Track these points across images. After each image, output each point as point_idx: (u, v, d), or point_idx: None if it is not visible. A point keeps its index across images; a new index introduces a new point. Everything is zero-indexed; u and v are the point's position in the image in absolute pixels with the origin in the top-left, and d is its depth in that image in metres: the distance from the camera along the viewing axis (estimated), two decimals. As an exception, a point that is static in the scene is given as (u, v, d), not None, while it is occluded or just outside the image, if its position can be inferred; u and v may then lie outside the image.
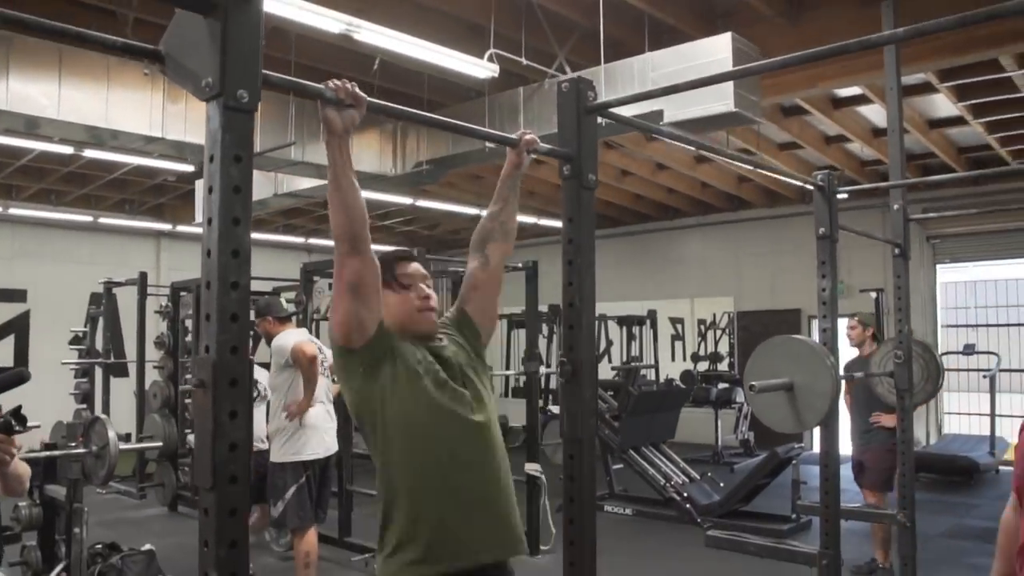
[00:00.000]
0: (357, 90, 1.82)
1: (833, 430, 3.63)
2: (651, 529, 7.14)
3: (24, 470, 2.49)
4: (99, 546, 5.23)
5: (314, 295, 6.57)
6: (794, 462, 6.73)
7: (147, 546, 5.32)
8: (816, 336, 3.76)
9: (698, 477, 7.61)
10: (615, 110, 2.48)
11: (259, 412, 5.43)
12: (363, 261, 1.96)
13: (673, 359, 14.76)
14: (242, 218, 1.57)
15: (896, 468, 5.11)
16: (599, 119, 2.41)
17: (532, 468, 6.20)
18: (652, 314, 13.76)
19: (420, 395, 2.06)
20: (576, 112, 2.35)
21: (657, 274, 13.80)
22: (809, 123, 8.72)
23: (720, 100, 4.99)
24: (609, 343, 14.22)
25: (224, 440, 1.52)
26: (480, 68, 5.37)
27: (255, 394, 5.48)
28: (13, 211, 10.62)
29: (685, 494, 7.22)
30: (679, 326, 15.03)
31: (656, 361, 13.92)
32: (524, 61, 5.69)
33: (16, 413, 2.29)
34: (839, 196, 3.76)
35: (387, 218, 13.68)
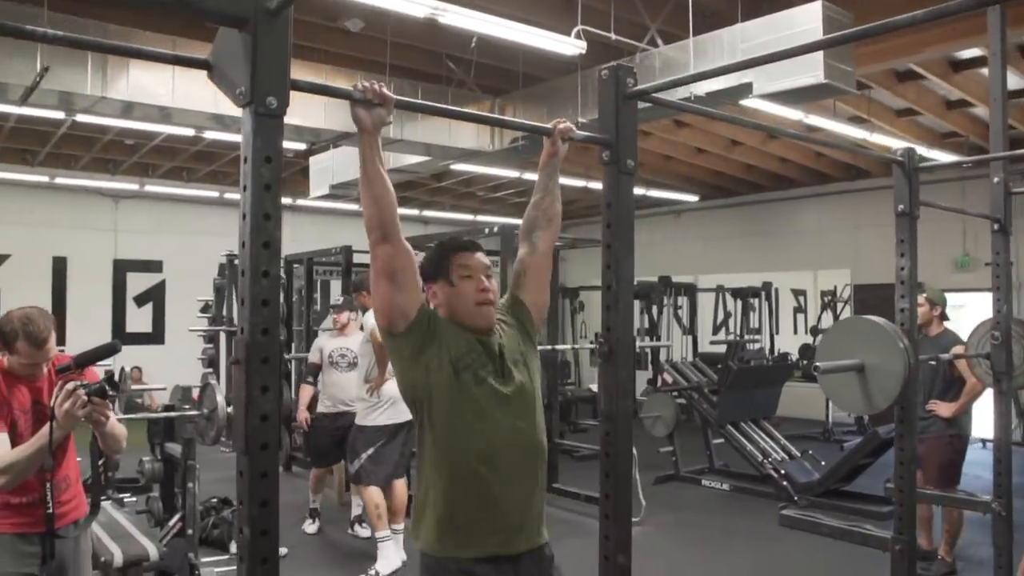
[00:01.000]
0: (384, 90, 1.95)
1: (908, 412, 3.55)
2: (747, 505, 7.09)
3: (120, 431, 2.80)
4: (214, 500, 5.71)
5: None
6: (896, 443, 6.52)
7: (257, 501, 5.76)
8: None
9: (798, 454, 7.48)
10: (658, 94, 2.51)
11: (350, 376, 5.72)
12: (395, 248, 2.08)
13: (795, 332, 14.41)
14: (272, 214, 1.74)
15: (955, 461, 4.90)
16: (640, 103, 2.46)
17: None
18: (767, 286, 13.45)
19: (460, 386, 2.14)
20: (615, 98, 2.41)
21: (774, 245, 13.43)
22: (927, 88, 8.27)
23: (810, 71, 4.85)
24: (727, 314, 13.98)
25: (256, 411, 1.71)
26: (567, 45, 5.41)
27: (347, 361, 5.79)
28: (149, 188, 11.46)
29: (783, 471, 7.12)
30: (801, 298, 14.65)
31: (772, 334, 13.63)
32: (613, 36, 5.69)
33: (110, 380, 2.57)
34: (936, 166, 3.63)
35: (498, 190, 13.88)
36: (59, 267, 11.42)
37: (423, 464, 2.20)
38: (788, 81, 4.98)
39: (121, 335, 11.62)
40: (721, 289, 13.60)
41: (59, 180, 10.93)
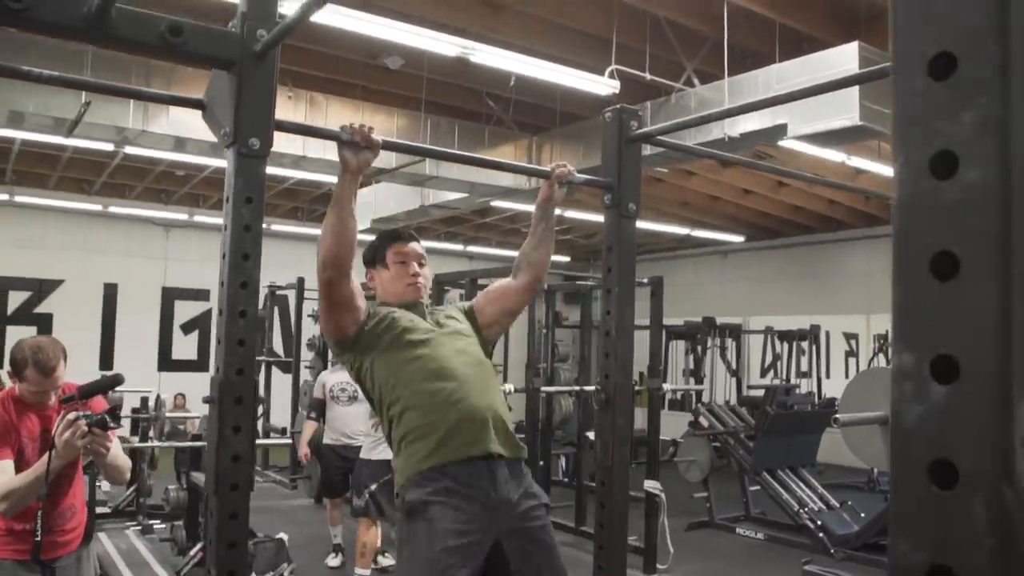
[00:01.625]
0: (372, 135, 1.96)
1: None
2: (781, 556, 6.85)
3: (124, 463, 2.81)
4: (238, 529, 5.72)
5: (445, 302, 6.84)
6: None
7: (280, 535, 5.76)
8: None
9: (837, 505, 7.22)
10: (662, 136, 2.48)
11: (350, 410, 5.76)
12: (347, 282, 2.18)
13: (847, 375, 14.04)
14: (251, 254, 1.75)
15: None
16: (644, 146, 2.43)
17: (651, 485, 6.13)
18: (815, 329, 13.15)
19: (406, 343, 2.27)
20: (618, 142, 2.39)
21: (823, 287, 13.16)
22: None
23: (844, 113, 4.76)
24: (775, 357, 13.68)
25: (227, 451, 1.70)
26: (600, 85, 5.41)
27: (347, 395, 5.81)
28: (198, 217, 11.74)
29: (819, 522, 6.88)
30: (853, 342, 14.29)
31: (820, 378, 13.30)
32: (648, 76, 5.67)
33: (112, 412, 2.59)
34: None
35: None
36: (110, 293, 11.72)
37: (393, 428, 2.26)
38: (823, 123, 4.90)
39: (167, 361, 11.86)
40: (769, 331, 13.34)
41: (113, 209, 11.27)
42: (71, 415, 2.48)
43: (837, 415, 3.25)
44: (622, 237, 2.38)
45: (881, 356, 13.13)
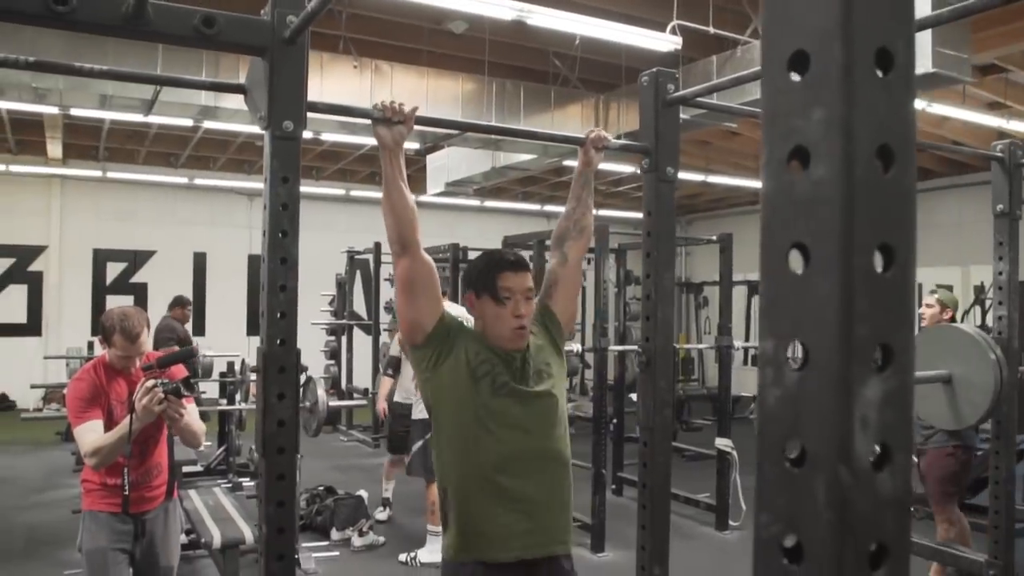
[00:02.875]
0: (404, 108, 2.01)
1: (1006, 426, 3.31)
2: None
3: (198, 427, 3.03)
4: (320, 488, 5.99)
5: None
6: (1027, 455, 6.05)
7: (360, 492, 6.02)
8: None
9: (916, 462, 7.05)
10: (701, 99, 2.46)
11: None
12: (413, 259, 2.13)
13: (941, 330, 13.57)
14: (289, 231, 1.84)
15: (957, 474, 4.49)
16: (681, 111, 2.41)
17: (723, 443, 6.13)
18: (904, 282, 12.73)
19: (476, 394, 2.14)
20: (655, 105, 2.38)
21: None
22: (1079, 67, 7.58)
23: (918, 60, 4.52)
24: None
25: (273, 417, 1.81)
26: (661, 41, 5.32)
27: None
28: (281, 187, 12.08)
29: (899, 480, 6.74)
30: (949, 295, 13.78)
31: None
32: (712, 30, 5.54)
33: (186, 381, 2.82)
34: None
35: (619, 184, 13.77)
36: (199, 262, 12.24)
37: (441, 472, 2.22)
38: (892, 71, 4.68)
39: (255, 326, 12.35)
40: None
41: (198, 180, 11.73)
42: (148, 383, 2.73)
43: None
44: (660, 201, 2.37)
45: (977, 308, 12.62)
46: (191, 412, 2.93)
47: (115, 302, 11.91)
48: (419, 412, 5.16)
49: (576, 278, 2.48)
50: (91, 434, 2.83)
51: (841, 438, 0.49)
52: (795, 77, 0.53)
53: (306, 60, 1.84)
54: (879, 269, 0.51)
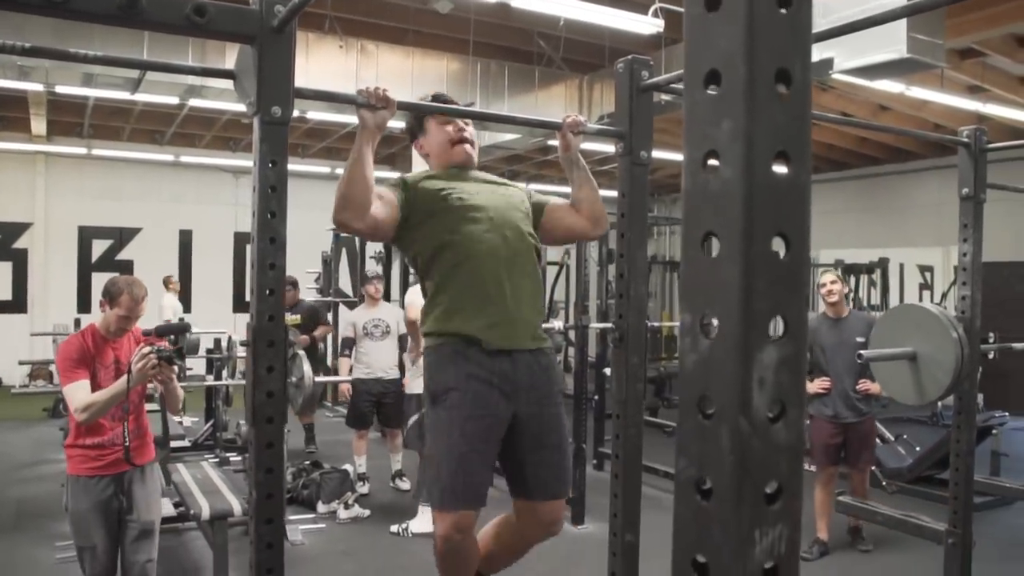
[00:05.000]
0: (387, 94, 2.09)
1: (967, 402, 3.45)
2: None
3: (179, 394, 3.33)
4: (307, 462, 6.10)
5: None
6: (994, 432, 6.24)
7: (346, 466, 6.13)
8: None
9: (892, 438, 7.23)
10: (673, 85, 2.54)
11: (384, 344, 6.16)
12: (359, 221, 2.30)
13: (923, 309, 13.77)
14: (277, 212, 1.92)
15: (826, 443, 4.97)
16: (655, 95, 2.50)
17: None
18: (884, 262, 12.91)
19: (446, 210, 2.41)
20: (629, 91, 2.47)
21: (893, 220, 12.85)
22: (1054, 52, 7.69)
23: (891, 45, 4.64)
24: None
25: (262, 388, 1.91)
26: (644, 24, 5.39)
27: (380, 331, 6.16)
28: (267, 165, 12.08)
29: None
30: (928, 274, 13.98)
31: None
32: (693, 12, 5.60)
33: (178, 351, 3.06)
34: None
35: (605, 163, 13.84)
36: (185, 239, 12.26)
37: (432, 296, 2.45)
38: (869, 56, 4.79)
39: (241, 303, 12.38)
40: (839, 264, 13.13)
41: (184, 158, 11.72)
42: (146, 348, 3.00)
43: (861, 351, 3.30)
44: (634, 184, 2.47)
45: (955, 289, 12.83)
46: (175, 381, 3.22)
47: (101, 279, 11.85)
48: (413, 387, 5.27)
49: (575, 225, 2.68)
50: (81, 391, 3.06)
51: (742, 395, 0.59)
52: (711, 91, 0.62)
53: (293, 48, 1.92)
54: (780, 254, 0.61)
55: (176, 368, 3.09)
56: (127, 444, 3.11)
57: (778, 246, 0.62)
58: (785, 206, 0.61)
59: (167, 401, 3.33)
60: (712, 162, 0.63)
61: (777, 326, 0.62)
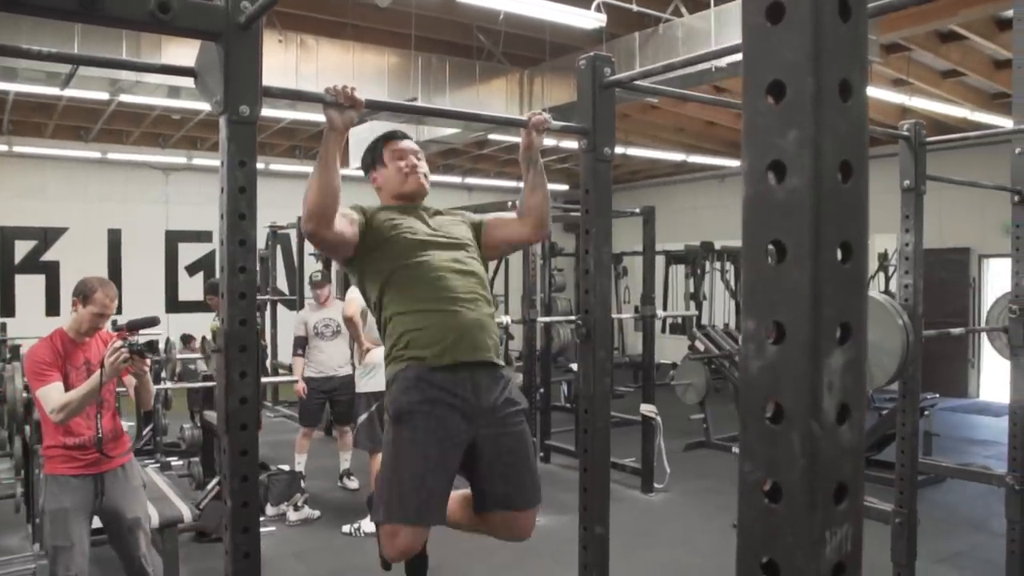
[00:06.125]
0: (354, 93, 2.06)
1: (911, 386, 3.59)
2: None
3: (152, 389, 3.46)
4: (253, 463, 5.98)
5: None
6: (926, 413, 6.49)
7: (298, 466, 6.05)
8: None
9: (829, 422, 7.48)
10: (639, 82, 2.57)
11: (335, 343, 6.20)
12: (328, 230, 2.34)
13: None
14: (247, 213, 1.88)
15: None
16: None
17: (647, 409, 6.36)
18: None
19: (396, 242, 2.47)
20: (592, 88, 2.48)
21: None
22: (973, 48, 8.02)
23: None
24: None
25: (235, 395, 1.86)
26: (587, 19, 5.42)
27: (331, 330, 6.18)
28: (197, 160, 11.78)
29: (811, 439, 7.14)
30: (849, 263, 14.44)
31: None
32: (635, 7, 5.67)
33: (149, 344, 3.13)
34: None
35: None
36: (114, 239, 11.85)
37: (389, 325, 2.49)
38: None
39: (174, 303, 12.07)
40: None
41: (111, 155, 11.32)
42: (117, 343, 3.06)
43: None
44: (598, 180, 2.49)
45: (881, 275, 13.32)
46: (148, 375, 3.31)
47: (25, 281, 11.52)
48: (364, 385, 5.22)
49: (516, 236, 2.76)
50: (55, 392, 3.14)
51: (813, 398, 0.60)
52: (771, 101, 0.63)
53: (260, 45, 1.88)
54: (840, 260, 0.62)
55: (148, 360, 3.12)
56: (100, 436, 3.19)
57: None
58: (848, 214, 0.63)
59: (140, 396, 3.43)
60: (772, 172, 0.63)
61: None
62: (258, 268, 9.73)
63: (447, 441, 2.40)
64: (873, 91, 7.85)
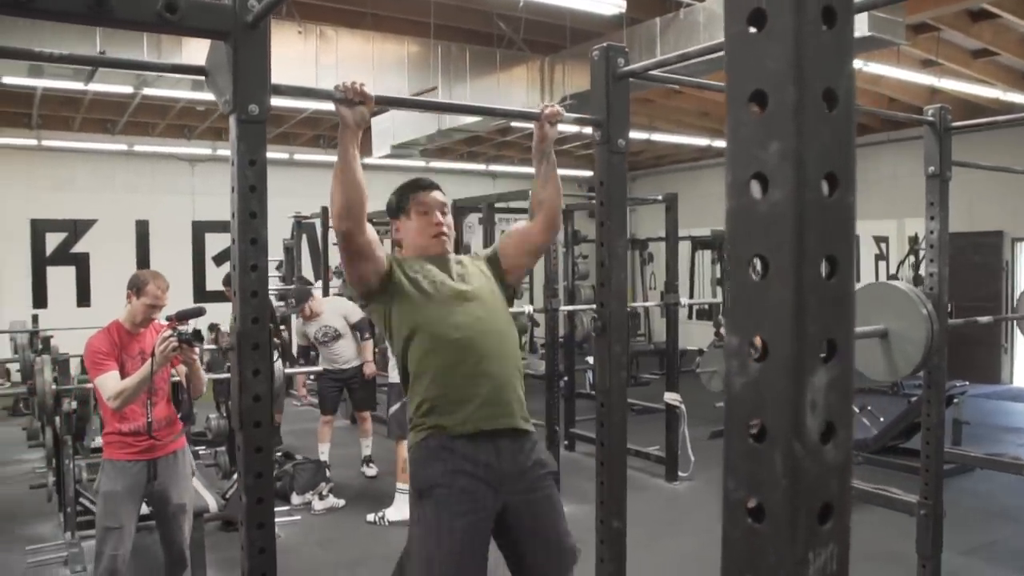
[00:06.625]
0: (364, 89, 2.05)
1: (937, 376, 3.53)
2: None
3: (203, 377, 3.59)
4: (278, 454, 6.05)
5: (464, 230, 6.97)
6: (955, 401, 6.40)
7: (322, 456, 6.11)
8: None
9: (856, 410, 7.39)
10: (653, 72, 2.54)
11: (340, 344, 6.41)
12: (362, 233, 2.28)
13: (876, 279, 14.08)
14: (258, 212, 1.88)
15: None
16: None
17: (671, 397, 6.33)
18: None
19: (422, 296, 2.38)
20: (606, 79, 2.46)
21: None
22: (1005, 26, 7.84)
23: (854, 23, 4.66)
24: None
25: (249, 393, 1.88)
26: (606, 5, 5.37)
27: (330, 336, 6.38)
28: (221, 151, 11.84)
29: (838, 427, 7.07)
30: (883, 245, 14.26)
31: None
32: (656, -8, 5.61)
33: (196, 333, 3.25)
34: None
35: (564, 143, 13.82)
36: (142, 230, 11.98)
37: (411, 385, 2.41)
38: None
39: (202, 293, 12.18)
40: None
41: (138, 147, 11.44)
42: (166, 332, 3.22)
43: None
44: (612, 172, 2.47)
45: (911, 258, 13.13)
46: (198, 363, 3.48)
47: (56, 273, 11.70)
48: (395, 376, 5.26)
49: (534, 243, 2.65)
50: (112, 380, 3.30)
51: (795, 418, 0.59)
52: (754, 111, 0.61)
53: (268, 44, 1.87)
54: (825, 276, 0.60)
55: (197, 349, 3.26)
56: (150, 420, 3.36)
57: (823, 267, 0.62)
58: (833, 228, 0.61)
59: (192, 383, 3.54)
60: (756, 183, 0.62)
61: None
62: (283, 258, 9.78)
63: (473, 515, 2.30)
64: (901, 73, 7.71)
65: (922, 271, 12.62)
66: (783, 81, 0.59)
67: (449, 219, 2.58)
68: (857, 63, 6.82)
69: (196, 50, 5.85)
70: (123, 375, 3.33)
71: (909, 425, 6.77)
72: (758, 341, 0.63)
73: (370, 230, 2.32)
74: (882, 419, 7.25)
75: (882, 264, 14.24)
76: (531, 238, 2.64)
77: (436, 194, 2.57)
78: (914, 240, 12.84)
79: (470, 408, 2.32)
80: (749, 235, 0.61)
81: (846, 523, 0.63)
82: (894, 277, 13.26)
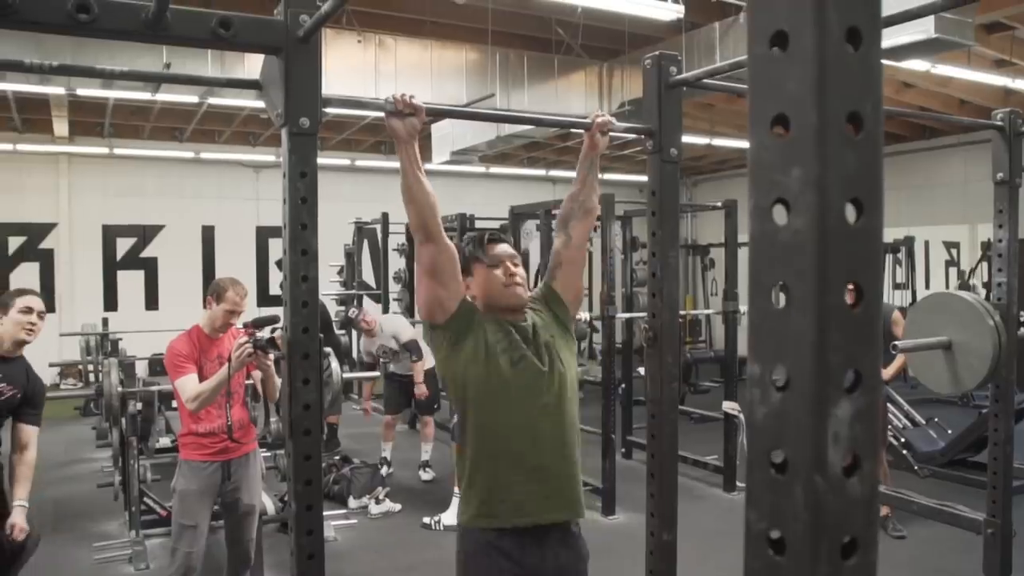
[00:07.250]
0: (415, 100, 2.06)
1: (1005, 390, 3.40)
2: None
3: (278, 382, 3.52)
4: (337, 458, 6.14)
5: (522, 236, 6.97)
6: (1027, 413, 6.14)
7: (383, 456, 6.20)
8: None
9: (923, 421, 7.16)
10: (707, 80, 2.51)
11: (399, 360, 6.65)
12: (437, 247, 2.19)
13: (947, 286, 13.67)
14: (309, 224, 1.92)
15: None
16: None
17: (729, 406, 6.23)
18: (909, 240, 12.80)
19: (494, 371, 2.22)
20: (658, 87, 2.44)
21: (918, 197, 12.69)
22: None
23: (918, 26, 4.53)
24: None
25: (299, 401, 1.91)
26: (664, 10, 5.32)
27: (389, 356, 6.63)
28: (286, 158, 12.11)
29: (903, 439, 6.85)
30: (954, 251, 13.83)
31: (915, 290, 13.00)
32: (714, -3, 5.54)
33: (271, 341, 3.29)
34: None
35: (625, 148, 13.74)
36: (208, 235, 12.32)
37: (467, 448, 2.30)
38: (894, 38, 4.68)
39: (265, 297, 12.45)
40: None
41: (204, 154, 11.77)
42: (241, 339, 3.30)
43: (896, 341, 3.26)
44: (665, 182, 2.44)
45: (984, 264, 12.68)
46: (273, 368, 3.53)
47: (126, 277, 12.11)
48: None
49: (580, 258, 2.52)
50: (191, 383, 3.44)
51: (816, 451, 0.57)
52: (776, 136, 0.60)
53: (319, 58, 1.91)
54: (850, 304, 0.59)
55: (272, 355, 3.30)
56: (229, 423, 3.46)
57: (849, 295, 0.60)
58: (858, 255, 0.59)
59: (266, 388, 3.63)
60: (780, 209, 0.61)
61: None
62: (344, 263, 9.94)
63: None
64: (972, 74, 7.47)
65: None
66: (805, 105, 0.58)
67: (521, 269, 2.40)
68: (925, 64, 6.63)
69: (257, 63, 5.99)
70: (201, 378, 3.46)
71: (979, 438, 6.53)
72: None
73: (450, 248, 2.23)
74: (950, 431, 7.01)
75: (952, 270, 13.82)
76: (577, 258, 2.50)
77: (503, 247, 2.41)
78: (986, 246, 12.42)
79: (523, 502, 2.22)
80: (771, 262, 0.60)
81: (872, 559, 0.61)
82: (965, 285, 12.86)
